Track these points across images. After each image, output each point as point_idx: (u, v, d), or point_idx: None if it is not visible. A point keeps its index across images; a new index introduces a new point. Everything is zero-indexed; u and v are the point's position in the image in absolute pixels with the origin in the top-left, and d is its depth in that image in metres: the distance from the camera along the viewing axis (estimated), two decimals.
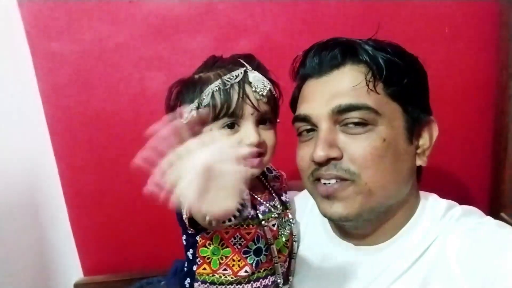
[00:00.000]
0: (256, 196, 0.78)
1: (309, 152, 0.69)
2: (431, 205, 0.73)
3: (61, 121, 1.18)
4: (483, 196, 1.26)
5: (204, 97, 0.71)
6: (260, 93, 0.72)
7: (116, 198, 1.22)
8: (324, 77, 0.71)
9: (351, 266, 0.74)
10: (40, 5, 1.10)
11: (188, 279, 0.75)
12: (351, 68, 0.69)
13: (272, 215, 0.79)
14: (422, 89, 0.73)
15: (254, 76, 0.72)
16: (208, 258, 0.72)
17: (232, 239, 0.71)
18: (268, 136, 0.75)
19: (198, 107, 0.72)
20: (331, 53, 0.70)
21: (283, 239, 0.79)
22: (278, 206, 0.81)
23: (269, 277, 0.77)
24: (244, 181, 0.49)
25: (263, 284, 0.76)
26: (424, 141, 0.71)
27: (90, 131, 1.19)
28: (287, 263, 0.82)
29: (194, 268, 0.73)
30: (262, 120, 0.74)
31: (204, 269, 0.73)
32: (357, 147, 0.65)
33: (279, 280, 0.78)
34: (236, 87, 0.71)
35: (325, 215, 0.72)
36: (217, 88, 0.71)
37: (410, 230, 0.71)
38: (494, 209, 1.22)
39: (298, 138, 0.76)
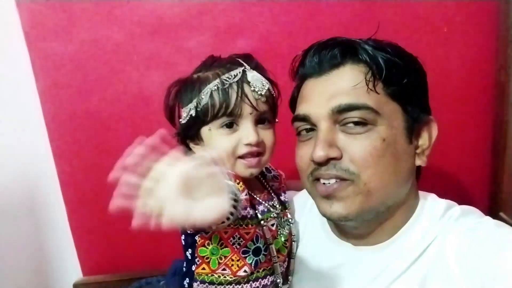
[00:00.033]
0: (255, 196, 0.77)
1: (308, 152, 0.69)
2: (430, 205, 0.72)
3: (59, 121, 1.18)
4: (482, 196, 1.26)
5: (203, 97, 0.71)
6: (259, 92, 0.72)
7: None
8: (324, 76, 0.70)
9: (350, 266, 0.73)
10: (38, 5, 1.10)
11: (187, 279, 0.75)
12: (351, 67, 0.69)
13: (271, 215, 0.78)
14: (422, 89, 0.73)
15: (253, 76, 0.72)
16: (207, 258, 0.72)
17: (231, 239, 0.71)
18: (266, 135, 0.75)
19: (196, 107, 0.72)
20: (330, 53, 0.70)
21: (282, 239, 0.79)
22: (277, 206, 0.81)
23: (268, 277, 0.76)
24: (226, 179, 0.48)
25: (262, 284, 0.75)
26: (424, 141, 0.71)
27: (88, 131, 1.18)
28: (286, 263, 0.81)
29: (193, 268, 0.73)
30: (260, 120, 0.75)
31: (203, 269, 0.72)
32: (357, 147, 0.65)
33: (278, 280, 0.78)
34: (235, 87, 0.71)
35: (324, 215, 0.72)
36: (215, 87, 0.71)
37: (409, 230, 0.71)
38: (493, 209, 1.21)
39: (297, 137, 0.76)
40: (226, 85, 0.71)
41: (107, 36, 1.13)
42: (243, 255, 0.72)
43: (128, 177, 0.44)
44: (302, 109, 0.72)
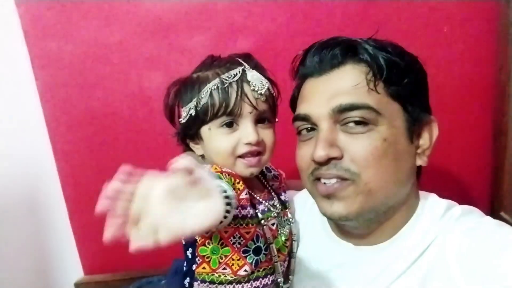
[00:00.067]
0: (255, 195, 0.77)
1: (309, 152, 0.69)
2: (431, 205, 0.72)
3: (60, 121, 1.18)
4: (483, 195, 1.26)
5: (203, 96, 0.71)
6: (259, 91, 0.72)
7: None
8: (324, 76, 0.70)
9: (351, 265, 0.73)
10: (37, 5, 1.10)
11: (187, 278, 0.75)
12: (351, 67, 0.69)
13: (272, 214, 0.78)
14: (422, 88, 0.73)
15: (253, 75, 0.72)
16: (207, 257, 0.72)
17: (232, 238, 0.71)
18: (266, 135, 0.75)
19: (196, 106, 0.72)
20: (331, 52, 0.70)
21: (283, 238, 0.79)
22: (277, 206, 0.81)
23: (268, 276, 0.76)
24: (211, 179, 0.48)
25: (262, 283, 0.75)
26: (424, 141, 0.71)
27: (89, 130, 1.19)
28: (286, 262, 0.81)
29: (194, 267, 0.73)
30: (260, 119, 0.75)
31: (204, 268, 0.72)
32: (358, 147, 0.65)
33: (279, 279, 0.78)
34: (235, 86, 0.71)
35: (325, 215, 0.72)
36: (215, 86, 0.71)
37: (409, 230, 0.71)
38: (494, 209, 1.22)
39: (298, 137, 0.76)
40: (226, 85, 0.71)
41: (107, 36, 1.13)
42: (244, 255, 0.72)
43: (115, 205, 0.44)
44: (303, 108, 0.72)
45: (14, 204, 1.13)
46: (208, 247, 0.71)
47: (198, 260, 0.73)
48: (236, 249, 0.71)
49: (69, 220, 1.25)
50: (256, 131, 0.73)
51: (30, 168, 1.19)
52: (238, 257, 0.71)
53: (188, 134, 0.77)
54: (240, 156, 0.73)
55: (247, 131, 0.72)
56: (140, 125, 1.19)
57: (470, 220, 0.67)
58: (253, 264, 0.72)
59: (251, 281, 0.74)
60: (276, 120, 0.80)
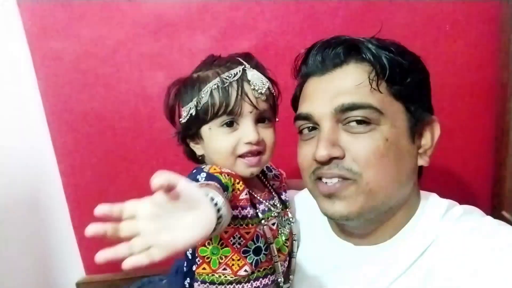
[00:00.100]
0: (255, 195, 0.77)
1: (311, 151, 0.69)
2: (432, 205, 0.72)
3: (61, 120, 1.18)
4: (484, 195, 1.26)
5: (203, 96, 0.71)
6: (259, 91, 0.72)
7: (117, 197, 1.21)
8: (327, 75, 0.70)
9: (351, 265, 0.73)
10: (39, 5, 1.10)
11: (187, 278, 0.75)
12: (354, 66, 0.68)
13: (272, 214, 0.78)
14: (425, 88, 0.72)
15: (253, 74, 0.72)
16: (207, 258, 0.72)
17: (231, 238, 0.71)
18: (267, 134, 0.75)
19: (197, 106, 0.72)
20: (334, 51, 0.69)
21: (283, 238, 0.79)
22: (278, 205, 0.81)
23: (269, 276, 0.76)
24: (196, 187, 0.47)
25: (263, 283, 0.75)
26: (426, 140, 0.71)
27: (90, 130, 1.19)
28: (287, 262, 0.81)
29: (194, 268, 0.73)
30: (261, 119, 0.74)
31: (204, 268, 0.72)
32: (360, 147, 0.65)
33: (279, 279, 0.77)
34: (235, 85, 0.71)
35: (326, 214, 0.71)
36: (215, 86, 0.71)
37: (410, 230, 0.70)
38: (496, 208, 1.21)
39: (299, 136, 0.76)
40: (226, 84, 0.70)
41: (109, 35, 1.13)
42: (244, 255, 0.72)
43: (104, 228, 0.44)
44: (305, 107, 0.72)
45: (15, 204, 1.13)
46: (208, 248, 0.71)
47: (198, 260, 0.73)
48: (236, 249, 0.71)
49: (71, 219, 1.25)
50: (257, 131, 0.72)
51: (32, 168, 1.19)
52: (238, 258, 0.71)
53: (189, 134, 0.77)
54: (241, 156, 0.73)
55: (247, 131, 0.72)
56: (142, 124, 1.19)
57: (471, 220, 0.67)
58: (253, 264, 0.72)
59: (251, 281, 0.74)
60: (277, 119, 0.79)
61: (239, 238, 0.71)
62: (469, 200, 0.74)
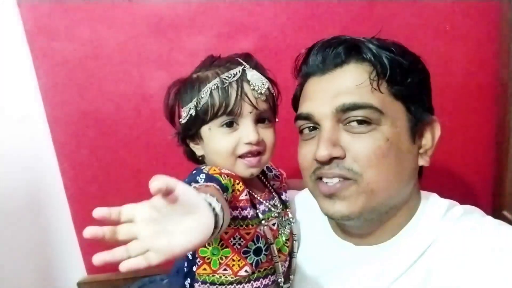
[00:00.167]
0: (255, 195, 0.77)
1: (311, 151, 0.69)
2: (432, 205, 0.72)
3: (62, 120, 1.18)
4: (485, 194, 1.26)
5: (203, 96, 0.71)
6: (259, 91, 0.71)
7: (118, 196, 1.22)
8: (327, 75, 0.70)
9: (352, 265, 0.73)
10: (39, 5, 1.10)
11: (188, 279, 0.75)
12: (355, 66, 0.68)
13: (272, 215, 0.78)
14: (425, 88, 0.72)
15: (252, 75, 0.72)
16: (207, 259, 0.72)
17: (232, 239, 0.71)
18: (267, 134, 0.75)
19: (196, 106, 0.72)
20: (334, 51, 0.69)
21: (283, 238, 0.79)
22: (278, 205, 0.81)
23: (269, 276, 0.76)
24: (195, 194, 0.46)
25: (263, 283, 0.75)
26: (427, 141, 0.71)
27: (91, 130, 1.19)
28: (287, 262, 0.81)
29: (194, 268, 0.73)
30: (261, 119, 0.74)
31: (204, 269, 0.72)
32: (361, 147, 0.65)
33: (279, 279, 0.77)
34: (235, 85, 0.71)
35: (326, 214, 0.71)
36: (215, 86, 0.71)
37: (410, 230, 0.70)
38: (496, 208, 1.21)
39: (300, 136, 0.75)
40: (226, 84, 0.70)
41: (109, 36, 1.13)
42: (244, 255, 0.72)
43: (102, 230, 0.44)
44: (305, 107, 0.72)
45: (17, 204, 1.13)
46: (208, 248, 0.71)
47: (199, 261, 0.73)
48: (237, 250, 0.71)
49: (72, 219, 1.26)
50: (256, 131, 0.72)
51: (33, 168, 1.19)
52: (239, 258, 0.71)
53: (188, 135, 0.77)
54: (240, 157, 0.73)
55: (247, 131, 0.72)
56: (143, 125, 1.19)
57: (471, 220, 0.67)
58: (253, 265, 0.72)
59: (252, 282, 0.74)
60: (277, 120, 0.79)
61: (239, 239, 0.71)
62: (470, 200, 0.73)
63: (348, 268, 0.73)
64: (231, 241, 0.71)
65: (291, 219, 0.83)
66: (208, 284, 0.73)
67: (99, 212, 0.43)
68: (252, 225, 0.72)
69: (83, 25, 1.12)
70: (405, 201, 0.70)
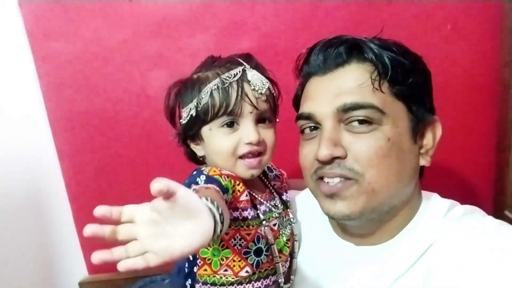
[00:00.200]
0: (256, 196, 0.77)
1: (312, 151, 0.69)
2: (433, 205, 0.72)
3: (63, 120, 1.18)
4: (487, 194, 1.25)
5: (203, 96, 0.71)
6: (259, 91, 0.71)
7: (119, 196, 1.23)
8: (329, 74, 0.70)
9: (352, 265, 0.73)
10: (40, 5, 1.10)
11: (189, 279, 0.75)
12: (356, 66, 0.68)
13: (273, 215, 0.78)
14: (426, 88, 0.72)
15: (253, 75, 0.72)
16: (208, 259, 0.72)
17: (232, 240, 0.71)
18: (267, 135, 0.75)
19: (197, 106, 0.72)
20: (336, 51, 0.69)
21: (284, 238, 0.79)
22: (279, 206, 0.81)
23: (270, 276, 0.76)
24: (196, 198, 0.46)
25: (264, 284, 0.75)
26: (428, 141, 0.70)
27: (92, 130, 1.19)
28: (288, 262, 0.81)
29: (195, 269, 0.73)
30: (261, 119, 0.74)
31: (205, 270, 0.72)
32: (362, 147, 0.65)
33: (280, 280, 0.77)
34: (235, 86, 0.70)
35: (327, 214, 0.71)
36: (215, 86, 0.70)
37: (411, 230, 0.70)
38: (498, 208, 1.21)
39: (301, 136, 0.75)
40: (226, 84, 0.70)
41: (110, 36, 1.13)
42: (245, 256, 0.72)
43: (102, 229, 0.43)
44: (307, 107, 0.71)
45: (18, 204, 1.13)
46: (209, 249, 0.71)
47: (199, 262, 0.73)
48: (237, 250, 0.71)
49: (73, 219, 1.26)
50: (257, 131, 0.72)
51: (34, 168, 1.19)
52: (239, 259, 0.71)
53: (189, 135, 0.77)
54: (241, 157, 0.73)
55: (247, 131, 0.71)
56: (143, 125, 1.19)
57: (472, 220, 0.67)
58: (254, 265, 0.72)
59: (253, 282, 0.74)
60: (277, 120, 0.79)
61: (240, 240, 0.71)
62: (471, 200, 0.73)
63: (349, 268, 0.73)
64: (232, 242, 0.71)
65: (292, 219, 0.83)
66: (209, 285, 0.72)
67: (100, 210, 0.43)
68: (253, 226, 0.72)
69: (84, 25, 1.12)
70: (406, 201, 0.70)
